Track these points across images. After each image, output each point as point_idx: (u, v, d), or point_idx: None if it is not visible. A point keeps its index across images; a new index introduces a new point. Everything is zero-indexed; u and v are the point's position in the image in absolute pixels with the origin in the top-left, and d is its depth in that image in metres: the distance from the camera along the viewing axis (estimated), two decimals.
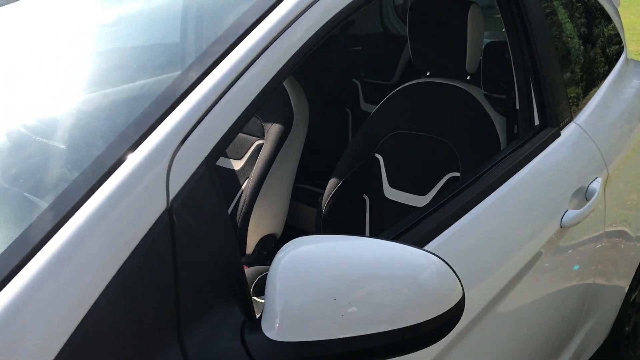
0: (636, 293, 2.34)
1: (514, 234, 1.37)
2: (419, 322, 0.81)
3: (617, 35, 2.20)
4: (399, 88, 1.91)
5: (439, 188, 1.69)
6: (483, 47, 1.94)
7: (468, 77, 1.82)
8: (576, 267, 1.62)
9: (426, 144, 1.74)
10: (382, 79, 2.68)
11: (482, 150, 1.63)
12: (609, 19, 2.16)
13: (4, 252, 0.77)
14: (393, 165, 1.80)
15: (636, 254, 2.08)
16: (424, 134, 1.76)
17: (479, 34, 1.73)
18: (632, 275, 2.08)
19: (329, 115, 2.72)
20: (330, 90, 2.74)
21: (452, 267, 0.85)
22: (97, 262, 0.75)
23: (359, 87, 2.78)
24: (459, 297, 0.84)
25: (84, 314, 0.72)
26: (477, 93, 1.75)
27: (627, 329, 2.37)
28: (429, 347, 0.86)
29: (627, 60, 2.22)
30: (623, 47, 2.21)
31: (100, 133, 1.12)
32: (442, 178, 1.70)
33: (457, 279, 0.84)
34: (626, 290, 2.09)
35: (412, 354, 0.86)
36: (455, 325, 0.85)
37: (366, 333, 0.80)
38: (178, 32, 1.82)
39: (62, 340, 0.71)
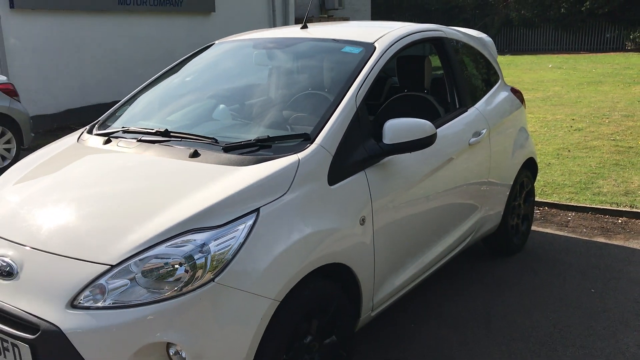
0: (515, 202, 4.48)
1: (446, 143, 3.44)
2: (418, 138, 2.84)
3: (495, 72, 4.43)
4: (392, 98, 3.99)
5: None
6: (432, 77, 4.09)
7: (426, 91, 3.95)
8: (474, 168, 3.75)
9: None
10: (373, 99, 4.79)
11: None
12: (489, 63, 4.39)
13: None
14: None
15: (513, 169, 4.23)
16: None
17: (430, 71, 3.89)
18: (512, 181, 4.22)
19: None
20: None
21: (436, 132, 2.91)
22: None
23: None
24: (434, 132, 2.90)
25: None
26: (431, 97, 3.87)
27: (512, 223, 4.50)
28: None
29: (502, 82, 4.45)
30: (499, 76, 4.43)
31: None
32: None
33: (434, 127, 2.89)
34: (508, 193, 4.24)
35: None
36: (432, 144, 2.90)
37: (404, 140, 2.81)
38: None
39: None
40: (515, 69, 20.35)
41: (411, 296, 3.75)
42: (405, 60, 3.90)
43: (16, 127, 7.74)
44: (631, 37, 28.77)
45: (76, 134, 3.37)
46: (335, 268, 2.60)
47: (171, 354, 2.14)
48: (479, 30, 5.01)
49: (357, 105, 2.85)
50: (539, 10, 31.34)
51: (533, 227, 5.02)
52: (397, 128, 2.80)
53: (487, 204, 4.00)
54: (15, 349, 2.21)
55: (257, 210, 2.33)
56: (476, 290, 3.97)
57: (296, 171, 2.50)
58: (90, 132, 3.32)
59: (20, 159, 7.65)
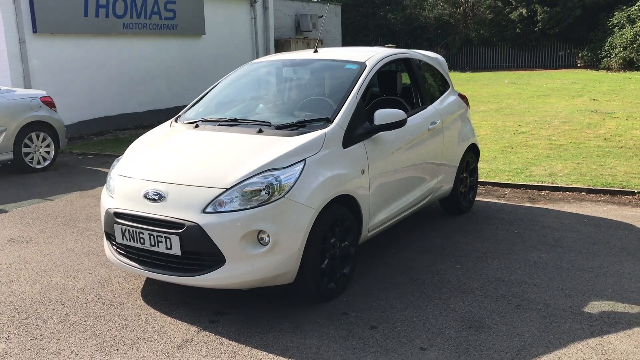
0: (462, 175, 6.21)
1: (413, 127, 5.13)
2: (396, 121, 4.54)
3: (447, 81, 6.19)
4: (376, 100, 5.68)
5: None
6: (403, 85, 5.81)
7: (398, 95, 5.67)
8: (432, 146, 5.47)
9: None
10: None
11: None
12: (442, 75, 6.15)
13: None
14: None
15: (459, 150, 5.97)
16: None
17: (401, 82, 5.61)
18: (459, 159, 5.96)
19: None
20: None
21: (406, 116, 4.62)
22: None
23: None
24: (405, 117, 4.59)
25: None
26: (402, 99, 5.58)
27: (460, 190, 6.23)
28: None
29: (452, 90, 6.22)
30: (449, 85, 6.20)
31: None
32: None
33: (405, 115, 4.59)
34: (457, 168, 5.97)
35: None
36: (404, 125, 4.60)
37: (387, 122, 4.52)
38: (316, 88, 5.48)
39: None
40: (474, 84, 22.46)
41: (392, 232, 5.46)
42: (384, 74, 5.60)
43: (54, 133, 9.25)
44: (580, 55, 31.30)
45: (167, 123, 4.99)
46: (347, 199, 4.26)
47: (259, 238, 3.78)
48: (441, 48, 6.88)
49: (358, 100, 4.55)
50: (497, 30, 33.79)
51: (478, 198, 6.79)
52: (382, 114, 4.51)
53: (442, 173, 5.73)
54: (167, 240, 3.82)
55: (305, 159, 3.99)
56: (436, 234, 5.68)
57: (324, 139, 4.18)
58: (176, 121, 4.94)
59: (56, 162, 9.17)
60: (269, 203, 3.78)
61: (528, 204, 6.63)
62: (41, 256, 5.20)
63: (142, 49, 14.03)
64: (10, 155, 8.65)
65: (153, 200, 3.94)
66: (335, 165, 4.17)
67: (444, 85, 6.15)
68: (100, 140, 12.20)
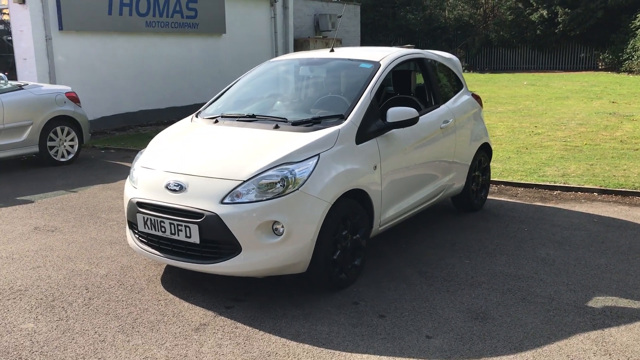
0: (475, 173, 6.34)
1: (425, 125, 5.27)
2: (408, 119, 4.70)
3: (460, 81, 6.32)
4: (391, 98, 5.83)
5: None
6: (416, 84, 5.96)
7: (412, 94, 5.81)
8: (445, 144, 5.61)
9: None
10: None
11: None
12: (456, 75, 6.28)
13: None
14: None
15: (472, 149, 6.10)
16: None
17: (415, 80, 5.75)
18: (471, 158, 6.10)
19: None
20: None
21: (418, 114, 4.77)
22: None
23: None
24: (417, 115, 4.75)
25: None
26: (415, 98, 5.72)
27: (472, 188, 6.36)
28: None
29: (465, 89, 6.34)
30: (462, 85, 6.33)
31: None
32: None
33: (417, 112, 4.74)
34: (469, 166, 6.10)
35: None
36: (416, 123, 4.75)
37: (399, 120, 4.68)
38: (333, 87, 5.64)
39: None
40: (493, 85, 22.49)
41: (403, 227, 5.61)
42: (399, 74, 5.75)
43: (78, 128, 9.53)
44: (601, 57, 31.11)
45: (188, 118, 5.19)
46: (359, 193, 4.42)
47: (274, 228, 3.95)
48: (461, 49, 7.01)
49: (371, 98, 4.71)
50: (517, 32, 33.69)
51: (491, 197, 6.91)
52: (395, 112, 4.67)
53: (454, 171, 5.86)
54: (187, 228, 4.01)
55: (318, 154, 4.16)
56: (447, 230, 5.81)
57: (338, 134, 4.35)
58: (197, 117, 5.14)
59: (80, 155, 9.45)
60: (283, 195, 3.95)
61: (539, 203, 6.73)
62: (66, 244, 5.43)
63: (164, 47, 14.30)
64: (36, 149, 8.93)
65: (174, 190, 4.13)
66: (348, 161, 4.34)
67: (457, 85, 6.28)
68: (122, 135, 12.48)
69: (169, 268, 4.76)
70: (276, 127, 4.53)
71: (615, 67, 29.52)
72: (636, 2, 29.08)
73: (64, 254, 5.16)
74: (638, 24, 28.05)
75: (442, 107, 5.71)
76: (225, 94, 5.52)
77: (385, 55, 5.26)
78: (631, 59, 27.72)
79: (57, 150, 9.26)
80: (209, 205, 3.97)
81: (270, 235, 3.96)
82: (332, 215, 4.12)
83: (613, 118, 13.02)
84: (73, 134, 9.47)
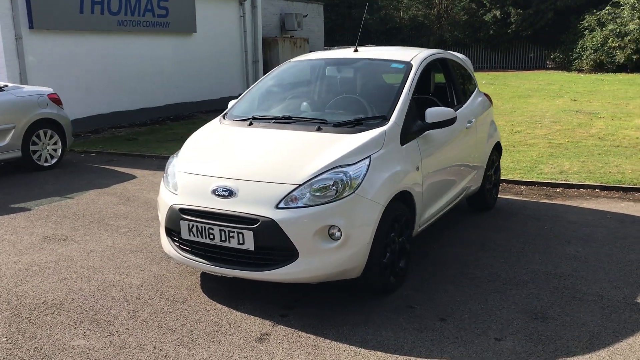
0: (489, 173, 6.38)
1: (455, 125, 5.28)
2: (447, 119, 4.69)
3: (474, 81, 6.35)
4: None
5: None
6: (435, 84, 5.94)
7: (430, 94, 5.79)
8: (469, 144, 5.62)
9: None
10: None
11: None
12: (470, 75, 6.31)
13: None
14: None
15: (488, 148, 6.14)
16: None
17: (434, 80, 5.74)
18: (487, 157, 6.13)
19: None
20: None
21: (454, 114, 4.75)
22: None
23: None
24: (455, 115, 4.74)
25: None
26: (434, 98, 5.71)
27: (487, 187, 6.40)
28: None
29: (478, 90, 6.38)
30: (475, 85, 6.36)
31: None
32: None
33: (455, 112, 4.74)
34: (485, 165, 6.14)
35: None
36: (454, 122, 4.74)
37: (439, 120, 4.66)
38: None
39: None
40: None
41: (430, 228, 5.59)
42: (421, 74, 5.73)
43: (61, 131, 9.13)
44: (552, 56, 32.05)
45: (215, 120, 5.01)
46: (404, 195, 4.37)
47: (330, 233, 3.85)
48: None
49: (410, 99, 4.66)
50: (470, 32, 34.36)
51: (498, 195, 6.96)
52: (434, 112, 4.63)
53: (475, 171, 5.88)
54: (240, 235, 3.86)
55: (369, 156, 4.08)
56: (471, 230, 5.82)
57: (385, 136, 4.28)
58: (224, 118, 4.97)
59: (63, 160, 9.05)
60: (340, 199, 3.85)
61: (547, 201, 6.84)
62: (84, 253, 5.17)
63: (136, 46, 13.90)
64: (19, 153, 8.51)
65: (222, 196, 3.98)
66: (395, 162, 4.28)
67: (472, 84, 6.31)
68: (98, 138, 12.05)
69: (206, 276, 4.59)
70: (318, 129, 4.42)
71: (565, 66, 30.43)
72: (584, 4, 30.09)
73: (87, 264, 4.91)
74: (586, 24, 28.99)
75: (464, 106, 5.72)
76: (249, 94, 5.37)
77: (415, 55, 5.22)
78: (580, 59, 28.62)
79: (40, 155, 8.85)
80: (264, 211, 3.84)
81: (327, 240, 3.86)
82: (384, 218, 4.05)
83: (581, 115, 13.39)
84: (56, 137, 9.07)
